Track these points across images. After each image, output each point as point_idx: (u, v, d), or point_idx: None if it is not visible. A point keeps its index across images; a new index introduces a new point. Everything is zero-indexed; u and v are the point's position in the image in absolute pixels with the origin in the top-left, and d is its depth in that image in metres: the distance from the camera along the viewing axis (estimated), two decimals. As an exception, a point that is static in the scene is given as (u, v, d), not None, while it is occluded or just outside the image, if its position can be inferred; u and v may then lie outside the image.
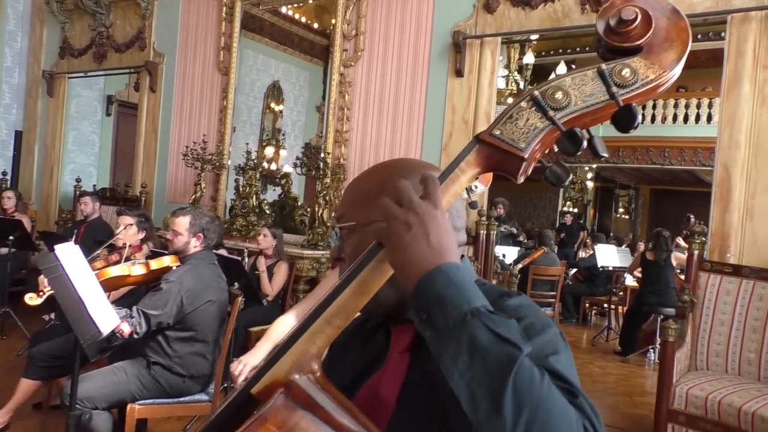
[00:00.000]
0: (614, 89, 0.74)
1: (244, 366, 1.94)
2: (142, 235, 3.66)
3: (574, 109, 0.74)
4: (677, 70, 0.75)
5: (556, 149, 0.77)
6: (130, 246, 3.55)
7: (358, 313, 0.78)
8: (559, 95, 0.74)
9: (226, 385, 3.44)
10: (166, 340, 2.73)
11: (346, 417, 0.71)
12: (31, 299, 2.57)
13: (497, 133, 0.75)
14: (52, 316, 4.57)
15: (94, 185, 7.69)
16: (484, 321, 0.65)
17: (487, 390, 0.62)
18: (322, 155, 5.35)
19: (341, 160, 5.39)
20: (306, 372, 0.73)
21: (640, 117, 0.74)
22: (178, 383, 2.80)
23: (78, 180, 7.33)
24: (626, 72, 0.74)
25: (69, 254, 1.86)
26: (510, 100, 8.60)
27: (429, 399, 0.81)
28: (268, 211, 5.77)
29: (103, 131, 8.61)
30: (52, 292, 2.30)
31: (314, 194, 5.42)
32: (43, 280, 2.41)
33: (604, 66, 0.75)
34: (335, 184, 5.38)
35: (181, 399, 2.85)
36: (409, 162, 1.00)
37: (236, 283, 3.55)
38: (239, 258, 4.21)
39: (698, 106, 11.43)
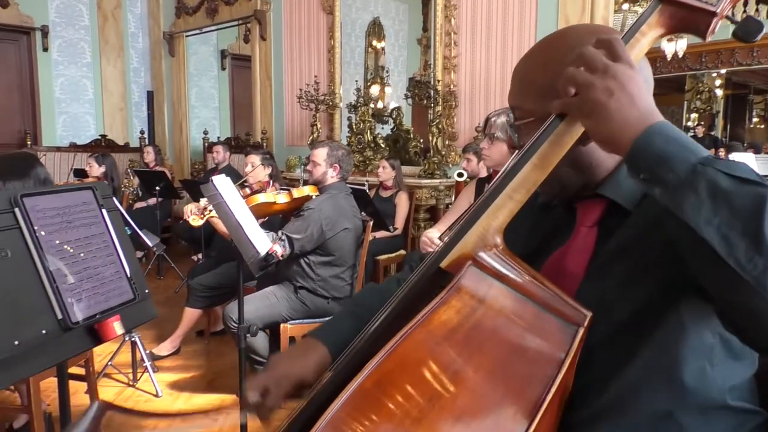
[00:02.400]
0: None
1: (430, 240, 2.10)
2: (268, 171, 3.89)
3: None
4: None
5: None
6: (259, 182, 3.81)
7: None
8: None
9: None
10: (310, 266, 2.96)
11: (534, 284, 0.75)
12: (194, 220, 2.88)
13: None
14: (200, 256, 5.05)
15: (218, 137, 8.20)
16: (717, 167, 0.65)
17: (741, 230, 0.62)
18: (432, 83, 5.32)
19: (451, 87, 5.34)
20: (490, 245, 0.77)
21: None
22: (322, 304, 3.04)
23: (205, 132, 7.86)
24: None
25: (223, 184, 2.07)
26: (625, 6, 7.98)
27: (621, 267, 0.82)
28: (383, 145, 5.89)
29: (221, 85, 9.09)
30: (212, 215, 2.57)
31: (426, 124, 5.44)
32: (196, 207, 2.66)
33: None
34: (447, 112, 5.37)
35: (326, 319, 3.08)
36: (572, 31, 0.90)
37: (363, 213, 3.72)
38: (366, 186, 4.38)
39: None
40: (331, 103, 6.17)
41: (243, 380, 2.37)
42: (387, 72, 6.48)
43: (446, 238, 0.81)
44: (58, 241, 1.22)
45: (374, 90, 6.25)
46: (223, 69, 9.12)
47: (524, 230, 0.94)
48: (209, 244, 4.75)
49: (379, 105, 6.23)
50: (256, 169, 3.84)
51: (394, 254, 4.74)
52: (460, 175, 3.32)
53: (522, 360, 0.70)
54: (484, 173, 4.08)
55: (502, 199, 0.76)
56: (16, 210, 1.17)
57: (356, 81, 6.25)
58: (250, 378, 0.96)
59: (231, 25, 7.69)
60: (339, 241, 2.96)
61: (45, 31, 7.50)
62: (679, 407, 0.79)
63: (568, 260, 0.88)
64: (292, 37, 6.62)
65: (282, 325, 2.99)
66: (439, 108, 5.28)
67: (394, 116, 6.12)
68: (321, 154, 3.04)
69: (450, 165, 5.33)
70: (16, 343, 1.11)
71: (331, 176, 3.04)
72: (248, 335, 2.35)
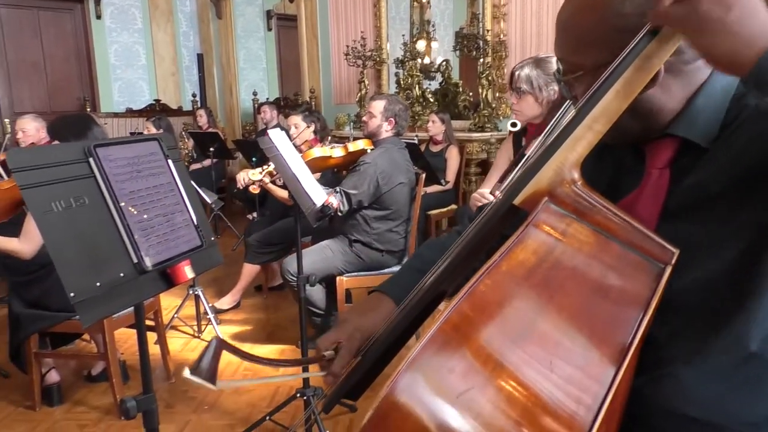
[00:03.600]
0: None
1: (481, 196, 2.09)
2: (312, 127, 3.86)
3: None
4: None
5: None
6: (306, 141, 3.82)
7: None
8: None
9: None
10: (365, 219, 3.00)
11: (616, 220, 0.70)
12: (254, 175, 2.95)
13: None
14: (255, 214, 5.18)
15: (267, 98, 8.27)
16: None
17: None
18: (481, 34, 5.19)
19: (501, 37, 5.20)
20: (567, 180, 0.72)
21: None
22: (377, 257, 3.08)
23: (254, 94, 7.94)
24: None
25: (279, 137, 2.10)
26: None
27: (703, 208, 0.79)
28: (431, 100, 5.82)
29: (268, 46, 9.11)
30: (267, 182, 2.63)
31: (475, 77, 5.34)
32: (252, 174, 2.74)
33: None
34: (497, 63, 5.24)
35: (381, 271, 3.14)
36: None
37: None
38: (416, 141, 4.36)
39: None
40: (378, 59, 6.11)
41: (303, 330, 2.45)
42: (433, 26, 6.34)
43: (519, 173, 0.77)
44: (129, 190, 1.28)
45: (420, 45, 6.14)
46: (270, 30, 9.12)
47: (587, 172, 0.91)
48: (263, 203, 4.85)
49: (426, 60, 6.13)
50: (300, 130, 3.82)
51: (445, 209, 4.74)
52: (513, 125, 3.25)
53: (606, 301, 0.66)
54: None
55: (581, 130, 0.72)
56: (90, 160, 1.22)
57: (402, 36, 6.15)
58: (322, 335, 0.98)
59: (276, -16, 7.64)
60: (394, 195, 2.98)
61: (97, -1, 7.66)
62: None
63: (640, 205, 0.83)
64: (337, -7, 6.55)
65: (338, 278, 3.06)
66: (489, 59, 5.16)
67: (442, 70, 6.02)
68: (378, 106, 3.03)
69: (501, 117, 5.23)
70: (98, 284, 1.18)
71: (386, 130, 3.04)
72: (307, 285, 2.41)
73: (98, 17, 7.72)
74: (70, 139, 2.38)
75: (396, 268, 3.18)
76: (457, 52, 5.76)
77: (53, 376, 2.72)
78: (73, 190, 1.20)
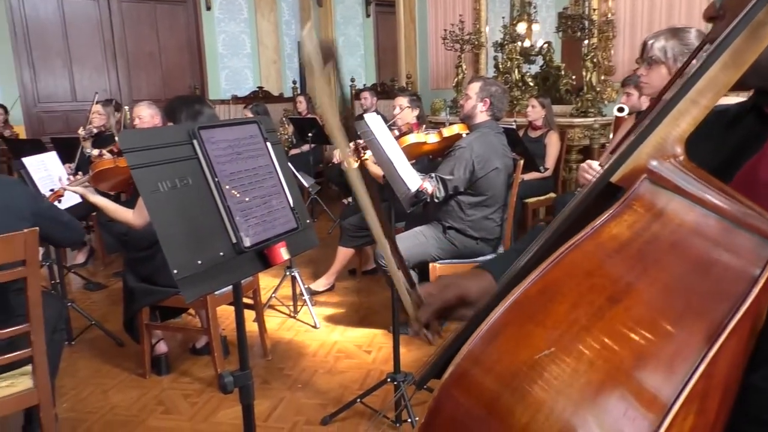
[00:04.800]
0: None
1: (588, 167, 2.00)
2: (416, 112, 3.88)
3: None
4: None
5: None
6: (407, 123, 3.82)
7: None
8: None
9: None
10: (460, 206, 2.94)
11: (722, 198, 0.66)
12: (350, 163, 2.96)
13: None
14: (350, 199, 5.25)
15: (364, 83, 8.35)
16: None
17: None
18: (587, 13, 4.93)
19: (609, 16, 4.91)
20: (668, 156, 0.69)
21: None
22: (471, 245, 3.02)
23: (352, 80, 8.04)
24: None
25: (375, 121, 2.09)
26: None
27: None
28: (531, 84, 5.62)
29: (365, 32, 9.20)
30: (365, 157, 2.63)
31: (579, 59, 5.08)
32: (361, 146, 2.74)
33: None
34: (603, 44, 4.97)
35: (475, 259, 3.08)
36: None
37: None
38: (514, 126, 4.23)
39: None
40: (476, 43, 5.98)
41: (395, 316, 2.45)
42: (534, 8, 6.11)
43: (618, 151, 0.74)
44: (230, 171, 1.31)
45: (521, 27, 5.94)
46: (368, 16, 9.19)
47: (708, 148, 0.84)
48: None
49: (526, 43, 5.92)
50: (404, 111, 3.85)
51: (543, 197, 4.57)
52: (620, 110, 3.06)
53: (706, 277, 0.62)
54: (646, 106, 3.75)
55: (685, 104, 0.67)
56: (194, 141, 1.26)
57: (502, 18, 5.98)
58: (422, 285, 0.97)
59: (375, -30, 7.66)
60: (490, 180, 2.89)
61: (207, -9, 8.06)
62: None
63: (761, 169, 0.78)
64: (437, -24, 6.46)
65: (431, 265, 3.03)
66: (595, 40, 4.90)
67: (543, 53, 5.79)
68: (474, 87, 2.95)
69: (606, 102, 4.96)
70: (199, 262, 1.22)
71: (480, 110, 2.95)
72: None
73: (208, 8, 8.11)
74: (183, 118, 2.50)
75: (491, 257, 3.10)
76: (560, 34, 5.51)
77: (162, 347, 2.90)
78: (178, 171, 1.24)
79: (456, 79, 6.02)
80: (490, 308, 0.84)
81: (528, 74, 5.71)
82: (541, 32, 5.97)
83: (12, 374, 1.90)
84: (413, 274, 3.11)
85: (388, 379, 2.39)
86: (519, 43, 5.73)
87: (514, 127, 4.50)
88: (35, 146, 4.49)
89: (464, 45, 5.91)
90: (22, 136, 6.82)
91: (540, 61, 5.84)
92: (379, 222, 0.91)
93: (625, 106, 3.23)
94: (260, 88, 8.34)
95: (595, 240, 0.65)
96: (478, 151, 2.83)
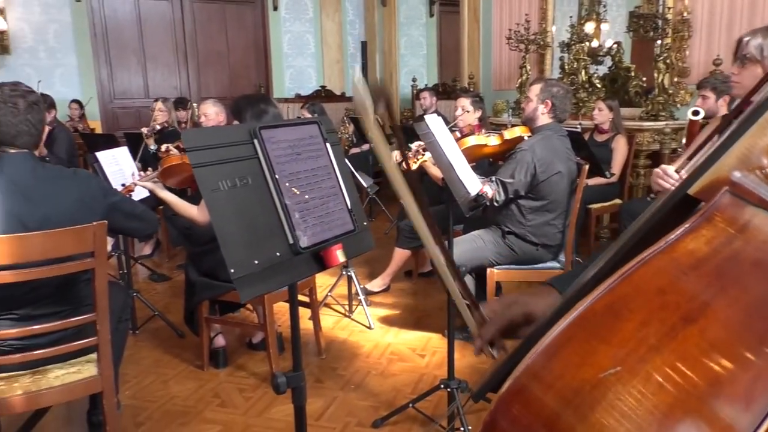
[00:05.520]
0: None
1: (663, 172, 1.89)
2: (478, 114, 3.81)
3: None
4: None
5: None
6: (469, 125, 3.76)
7: None
8: None
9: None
10: (520, 210, 2.86)
11: None
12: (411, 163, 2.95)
13: None
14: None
15: (426, 84, 8.31)
16: None
17: None
18: (661, 12, 4.72)
19: (684, 15, 4.69)
20: (754, 168, 0.64)
21: None
22: (531, 251, 2.94)
23: (413, 80, 8.02)
24: None
25: (435, 122, 2.06)
26: None
27: None
28: (599, 85, 5.44)
29: (428, 32, 9.16)
30: (423, 158, 2.61)
31: (650, 60, 4.88)
32: (418, 148, 2.71)
33: None
34: (677, 45, 4.75)
35: (535, 266, 2.99)
36: None
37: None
38: (579, 129, 4.10)
39: None
40: (542, 43, 5.84)
41: (451, 320, 2.40)
42: (604, 7, 5.91)
43: (698, 160, 0.69)
44: (289, 171, 1.31)
45: (589, 27, 5.75)
46: (431, 16, 9.15)
47: None
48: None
49: (594, 44, 5.72)
50: (466, 112, 3.79)
51: (608, 203, 4.41)
52: (695, 113, 2.90)
53: None
54: (723, 111, 3.54)
55: None
56: (255, 141, 1.27)
57: (570, 18, 5.81)
58: (485, 303, 0.94)
59: (440, -31, 7.62)
60: (552, 184, 2.81)
61: (275, -8, 8.24)
62: None
63: None
64: (503, -25, 6.35)
65: (489, 270, 2.97)
66: (668, 40, 4.69)
67: (612, 53, 5.59)
68: (535, 89, 2.87)
69: (678, 105, 4.74)
70: (256, 262, 1.22)
71: (542, 113, 2.86)
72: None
73: (275, 8, 8.28)
74: (248, 117, 2.55)
75: (551, 264, 3.01)
76: (631, 34, 5.30)
77: (220, 341, 2.97)
78: (239, 170, 1.25)
79: (519, 80, 5.90)
80: (553, 322, 0.80)
81: (595, 75, 5.52)
82: (611, 32, 5.77)
83: (79, 361, 1.98)
84: (470, 279, 3.07)
85: (442, 386, 2.36)
86: (587, 43, 5.55)
87: (579, 130, 4.36)
88: (108, 141, 4.69)
89: (529, 45, 5.78)
90: (98, 130, 7.16)
91: (608, 61, 5.64)
92: (429, 232, 0.89)
93: (700, 110, 3.07)
94: (323, 87, 8.45)
95: (669, 255, 0.61)
96: (540, 154, 2.75)
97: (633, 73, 5.32)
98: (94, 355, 1.96)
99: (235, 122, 2.70)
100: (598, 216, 4.46)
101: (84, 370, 1.96)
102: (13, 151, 1.89)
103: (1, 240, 1.68)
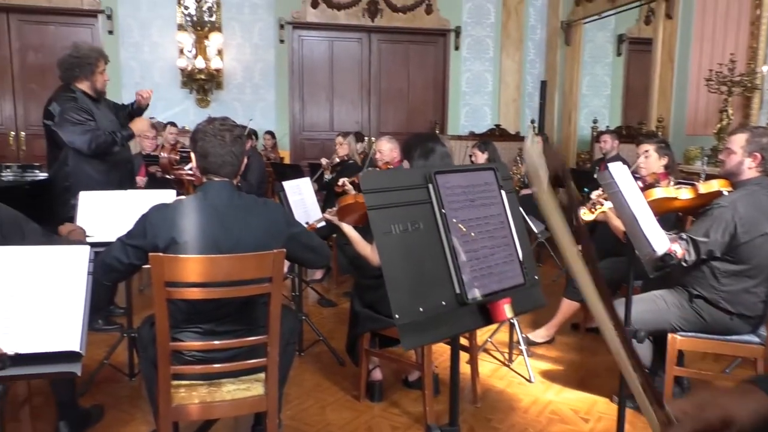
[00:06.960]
0: None
1: None
2: (664, 161, 3.47)
3: None
4: None
5: None
6: (653, 173, 3.44)
7: None
8: None
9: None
10: (713, 273, 2.54)
11: None
12: (584, 214, 2.78)
13: None
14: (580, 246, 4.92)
15: (607, 126, 7.88)
16: None
17: None
18: None
19: None
20: None
21: None
22: (723, 320, 2.58)
23: (594, 121, 7.65)
24: None
25: (620, 172, 1.91)
26: None
27: None
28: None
29: (614, 72, 8.73)
30: (601, 209, 2.43)
31: None
32: (597, 198, 2.54)
33: None
34: None
35: (727, 337, 2.62)
36: None
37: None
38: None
39: None
40: (749, 85, 5.23)
41: (623, 386, 2.18)
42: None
43: None
44: (461, 219, 1.28)
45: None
46: (619, 54, 8.71)
47: None
48: (591, 236, 4.58)
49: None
50: (650, 159, 3.48)
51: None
52: None
53: None
54: None
55: None
56: (429, 186, 1.26)
57: (786, 57, 5.15)
58: (674, 400, 0.82)
59: (632, 7, 7.24)
60: (755, 248, 2.45)
61: (458, 32, 8.47)
62: None
63: None
64: (705, 12, 5.83)
65: (670, 336, 2.66)
66: None
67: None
68: (739, 140, 2.54)
69: None
70: (421, 309, 1.20)
71: (749, 167, 2.52)
72: (633, 340, 2.14)
73: (456, 48, 8.48)
74: (416, 156, 2.60)
75: (748, 338, 2.62)
76: None
77: (377, 374, 3.00)
78: (411, 215, 1.25)
79: (719, 125, 5.32)
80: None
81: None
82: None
83: (249, 378, 2.11)
84: (648, 344, 2.78)
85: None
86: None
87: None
88: (295, 171, 5.09)
89: (733, 87, 5.21)
90: (287, 160, 7.83)
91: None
92: (613, 328, 0.80)
93: None
94: (497, 125, 8.40)
95: None
96: (742, 212, 2.42)
97: None
98: (262, 375, 2.08)
99: (404, 161, 2.76)
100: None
101: (253, 388, 2.08)
102: (217, 179, 2.10)
103: (197, 260, 1.85)
